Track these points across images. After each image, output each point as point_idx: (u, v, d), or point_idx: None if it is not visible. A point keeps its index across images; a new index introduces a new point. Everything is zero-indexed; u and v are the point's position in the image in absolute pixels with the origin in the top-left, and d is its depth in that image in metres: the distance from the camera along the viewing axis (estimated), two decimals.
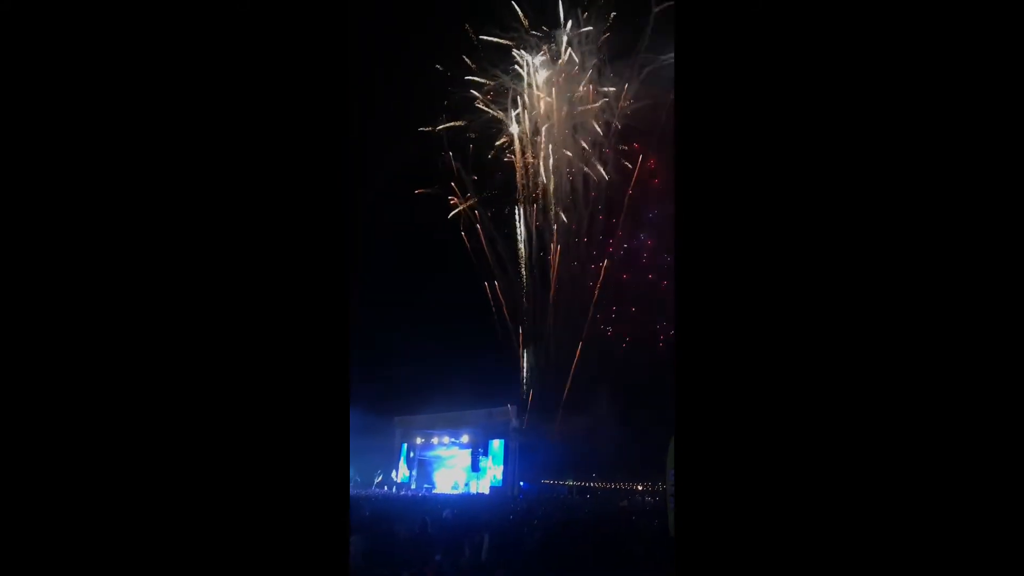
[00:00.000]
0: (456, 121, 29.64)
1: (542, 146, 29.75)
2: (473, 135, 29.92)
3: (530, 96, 29.47)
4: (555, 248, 29.91)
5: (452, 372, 27.89)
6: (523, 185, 30.40)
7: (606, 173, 29.19)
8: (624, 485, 25.15)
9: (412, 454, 31.14)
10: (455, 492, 27.62)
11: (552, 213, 30.19)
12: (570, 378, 28.03)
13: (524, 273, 30.58)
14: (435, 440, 30.79)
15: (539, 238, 30.62)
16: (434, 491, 28.21)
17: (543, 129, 29.51)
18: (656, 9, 26.72)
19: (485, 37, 28.42)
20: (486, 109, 29.41)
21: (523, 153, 30.01)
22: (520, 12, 28.21)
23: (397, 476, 30.62)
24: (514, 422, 27.93)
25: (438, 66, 28.67)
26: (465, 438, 29.42)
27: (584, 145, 29.42)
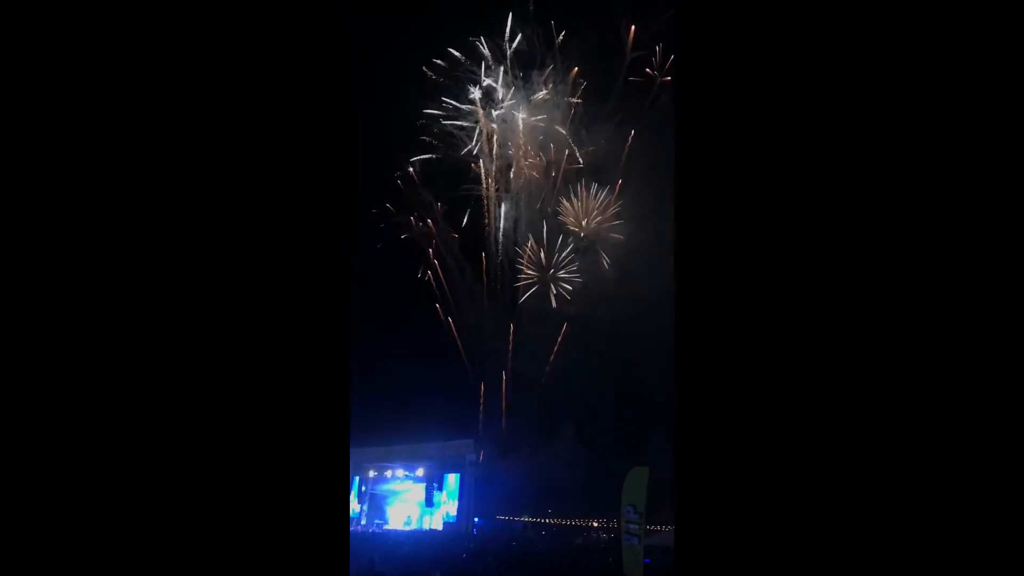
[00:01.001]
0: (418, 159, 29.75)
1: (512, 179, 30.18)
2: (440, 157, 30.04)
3: (499, 132, 29.94)
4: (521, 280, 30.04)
5: (411, 403, 27.36)
6: (489, 217, 30.62)
7: (575, 208, 29.65)
8: (580, 522, 24.88)
9: (364, 488, 30.09)
10: (407, 528, 26.77)
11: (517, 246, 30.43)
12: (540, 405, 27.85)
13: (486, 306, 30.53)
14: (388, 473, 29.89)
15: (511, 270, 30.72)
16: (386, 527, 27.28)
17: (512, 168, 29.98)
18: (629, 58, 27.70)
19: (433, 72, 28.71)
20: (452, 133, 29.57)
21: (492, 187, 30.32)
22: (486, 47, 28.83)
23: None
24: (471, 455, 27.42)
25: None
26: (420, 471, 28.66)
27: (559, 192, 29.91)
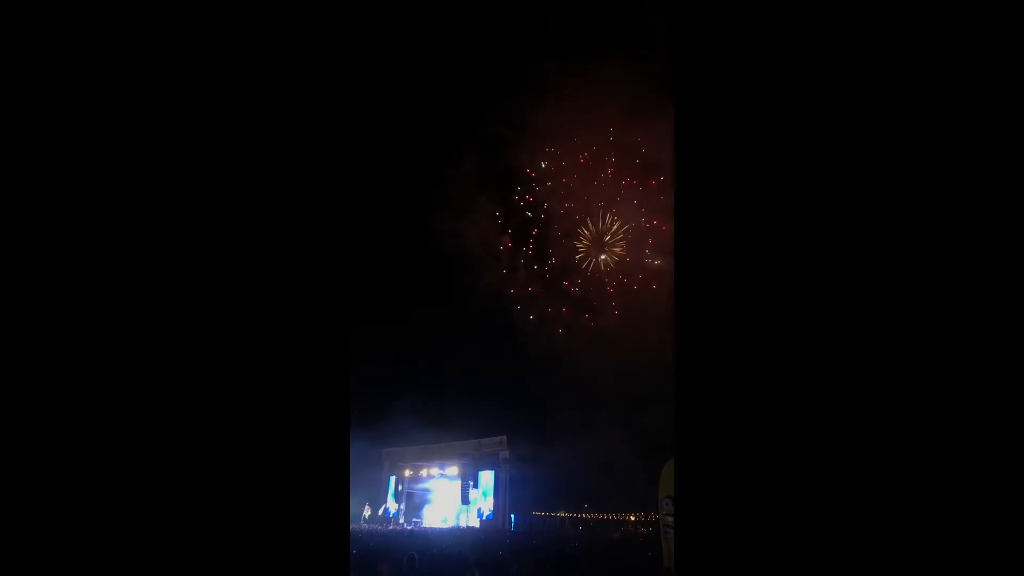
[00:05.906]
0: None
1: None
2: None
3: None
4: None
5: (444, 402, 27.54)
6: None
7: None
8: (617, 516, 24.76)
9: (400, 487, 30.50)
10: (444, 526, 27.02)
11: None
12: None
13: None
14: (424, 472, 30.24)
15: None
16: (422, 525, 27.58)
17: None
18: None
19: None
20: None
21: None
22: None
23: (383, 510, 29.97)
24: (505, 453, 27.48)
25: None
26: (455, 470, 28.90)
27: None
